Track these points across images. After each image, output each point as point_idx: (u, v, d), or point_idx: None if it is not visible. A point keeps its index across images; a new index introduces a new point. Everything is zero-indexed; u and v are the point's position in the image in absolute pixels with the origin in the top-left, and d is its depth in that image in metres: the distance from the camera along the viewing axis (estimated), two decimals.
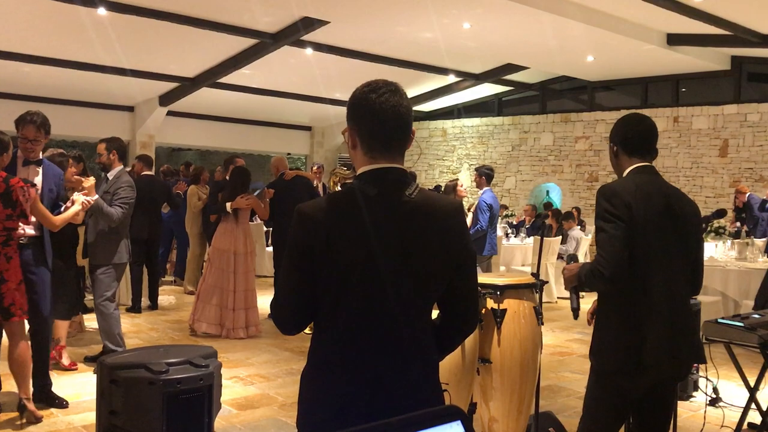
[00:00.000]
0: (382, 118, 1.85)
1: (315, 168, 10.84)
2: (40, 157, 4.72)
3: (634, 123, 2.85)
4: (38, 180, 4.66)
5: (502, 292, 3.52)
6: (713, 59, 12.17)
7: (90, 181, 5.05)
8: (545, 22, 9.82)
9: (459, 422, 0.96)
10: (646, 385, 2.69)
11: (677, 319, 2.68)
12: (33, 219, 4.52)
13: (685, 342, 2.69)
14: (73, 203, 4.74)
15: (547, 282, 3.92)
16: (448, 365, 3.10)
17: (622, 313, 2.65)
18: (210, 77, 12.83)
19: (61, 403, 4.70)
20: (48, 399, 4.71)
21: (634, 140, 2.80)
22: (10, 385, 4.55)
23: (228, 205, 6.99)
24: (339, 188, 2.56)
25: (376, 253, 1.80)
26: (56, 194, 4.78)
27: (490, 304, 3.51)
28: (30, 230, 4.57)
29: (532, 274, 3.72)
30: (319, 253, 1.80)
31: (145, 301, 8.38)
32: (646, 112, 13.35)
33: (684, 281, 2.75)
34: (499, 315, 3.47)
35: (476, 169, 7.98)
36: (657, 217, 2.65)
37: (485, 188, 7.72)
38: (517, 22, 10.02)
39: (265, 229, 11.93)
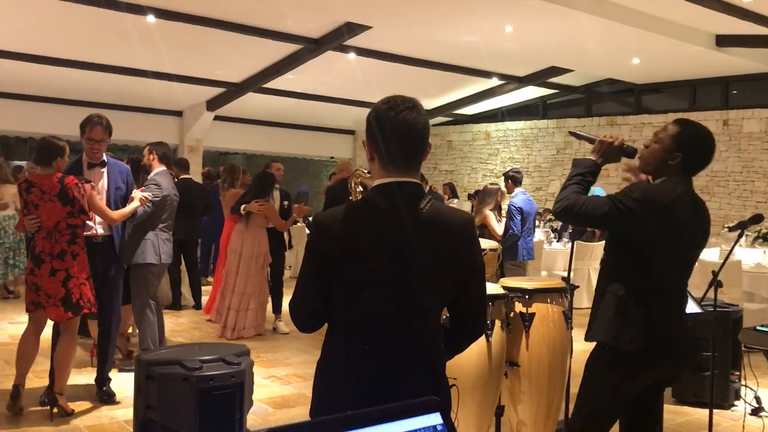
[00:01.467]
0: (398, 134, 1.93)
1: (368, 174, 11.02)
2: (104, 158, 4.87)
3: (709, 148, 2.72)
4: (104, 180, 4.82)
5: (530, 296, 3.53)
6: (764, 60, 11.85)
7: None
8: (589, 25, 9.72)
9: (438, 413, 1.00)
10: (645, 384, 2.69)
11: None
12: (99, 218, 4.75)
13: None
14: (132, 200, 4.95)
15: (578, 286, 3.90)
16: (475, 368, 3.13)
17: (643, 301, 2.62)
18: (256, 82, 13.06)
19: (110, 399, 4.84)
20: (101, 392, 4.88)
21: (700, 165, 2.71)
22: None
23: (242, 207, 7.15)
24: (360, 189, 2.74)
25: (386, 263, 1.88)
26: (125, 191, 4.92)
27: (519, 307, 3.52)
28: (101, 230, 4.79)
29: (563, 279, 3.72)
30: (333, 260, 1.90)
31: (191, 301, 8.61)
32: (694, 115, 13.10)
33: (686, 285, 2.83)
34: (527, 319, 3.48)
35: (503, 175, 7.93)
36: (685, 225, 2.66)
37: (516, 191, 7.58)
38: (560, 24, 9.94)
39: (307, 231, 12.08)
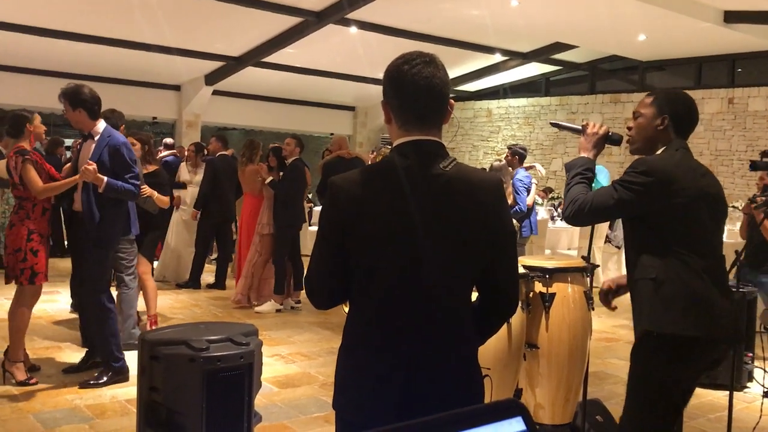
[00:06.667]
0: (415, 89, 1.78)
1: (372, 154, 11.25)
2: (96, 129, 4.58)
3: (691, 104, 2.72)
4: (90, 153, 4.54)
5: (551, 275, 3.40)
6: None
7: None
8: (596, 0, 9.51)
9: (520, 418, 0.86)
10: (701, 367, 2.55)
11: (729, 294, 2.58)
12: (78, 193, 4.58)
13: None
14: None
15: (598, 266, 3.78)
16: (493, 350, 3.01)
17: (679, 278, 2.47)
18: (255, 56, 12.82)
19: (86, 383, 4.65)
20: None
21: (689, 122, 2.69)
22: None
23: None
24: None
25: (409, 226, 1.73)
26: (110, 167, 4.47)
27: (539, 287, 3.39)
28: (79, 204, 4.59)
29: (583, 258, 3.58)
30: (351, 225, 1.75)
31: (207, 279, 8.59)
32: (699, 92, 12.94)
33: (721, 256, 2.66)
34: (547, 299, 3.35)
35: (509, 147, 7.77)
36: (703, 193, 2.56)
37: (518, 168, 7.54)
38: None
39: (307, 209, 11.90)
